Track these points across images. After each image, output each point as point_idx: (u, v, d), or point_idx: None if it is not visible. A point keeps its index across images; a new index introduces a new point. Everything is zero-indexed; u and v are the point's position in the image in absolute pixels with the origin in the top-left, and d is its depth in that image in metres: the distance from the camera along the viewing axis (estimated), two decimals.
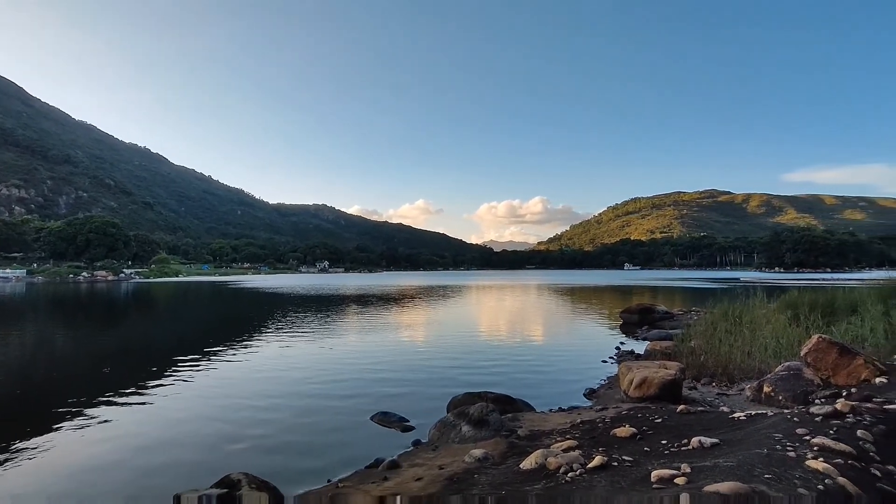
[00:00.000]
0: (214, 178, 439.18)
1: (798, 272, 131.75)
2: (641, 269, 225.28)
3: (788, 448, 3.63)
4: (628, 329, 18.45)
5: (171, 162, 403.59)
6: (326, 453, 6.21)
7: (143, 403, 8.48)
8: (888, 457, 3.63)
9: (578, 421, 6.15)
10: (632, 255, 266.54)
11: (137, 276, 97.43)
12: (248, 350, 13.95)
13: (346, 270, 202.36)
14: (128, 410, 8.09)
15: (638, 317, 19.69)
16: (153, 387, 9.59)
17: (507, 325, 20.74)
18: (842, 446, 3.56)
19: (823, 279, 62.37)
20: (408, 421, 7.30)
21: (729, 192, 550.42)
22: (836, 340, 7.05)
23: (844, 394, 6.01)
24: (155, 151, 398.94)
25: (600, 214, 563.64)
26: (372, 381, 10.14)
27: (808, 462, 3.28)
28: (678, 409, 5.65)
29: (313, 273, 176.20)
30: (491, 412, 6.35)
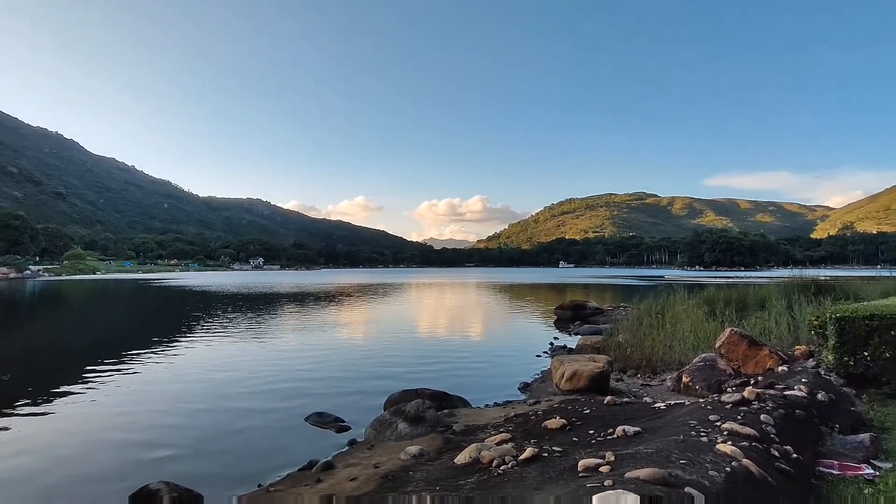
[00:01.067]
0: (138, 168, 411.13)
1: (716, 270, 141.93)
2: (576, 266, 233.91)
3: (702, 434, 3.89)
4: (562, 325, 19.13)
5: (88, 150, 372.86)
6: (257, 457, 5.99)
7: (52, 412, 7.80)
8: (786, 438, 3.99)
9: (512, 415, 6.30)
10: (567, 253, 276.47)
11: (46, 274, 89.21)
12: (173, 353, 13.19)
13: (283, 268, 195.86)
14: (34, 421, 7.41)
15: (571, 313, 20.44)
16: (63, 394, 8.84)
17: (446, 323, 20.90)
18: (748, 430, 3.87)
19: (737, 277, 67.41)
20: (344, 421, 7.18)
21: (656, 195, 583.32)
22: (746, 333, 7.65)
23: (752, 382, 6.53)
24: (68, 137, 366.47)
25: (537, 214, 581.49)
26: (307, 381, 9.89)
27: (718, 446, 3.53)
28: (605, 401, 5.92)
29: (247, 270, 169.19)
30: (427, 409, 6.37)
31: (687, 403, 5.16)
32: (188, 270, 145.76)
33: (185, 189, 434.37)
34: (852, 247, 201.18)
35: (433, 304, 31.96)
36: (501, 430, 5.48)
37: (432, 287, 54.33)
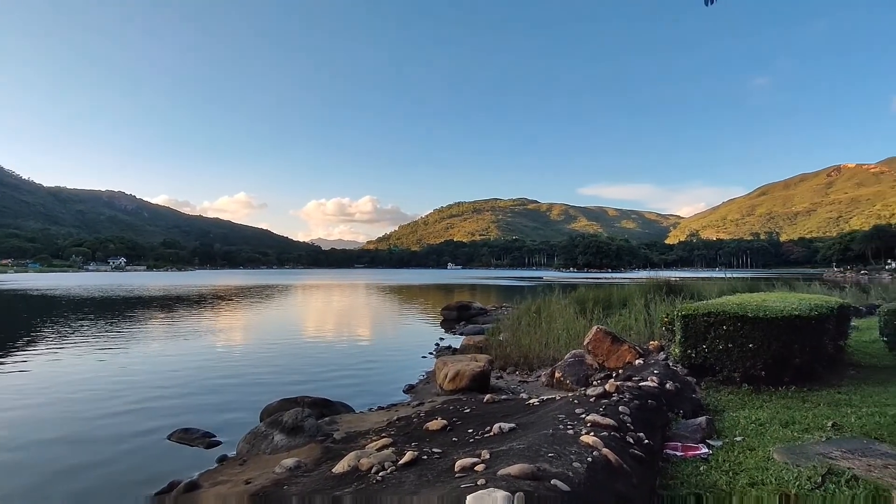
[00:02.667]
0: None
1: (588, 271, 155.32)
2: (463, 268, 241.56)
3: (569, 427, 4.15)
4: (448, 325, 19.55)
5: None
6: (109, 483, 5.29)
7: None
8: (639, 425, 4.40)
9: (395, 418, 6.25)
10: (455, 255, 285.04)
11: None
12: (3, 370, 11.25)
13: (150, 269, 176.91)
14: None
15: (457, 313, 20.98)
16: None
17: (333, 326, 20.31)
18: (608, 420, 4.20)
19: (605, 278, 74.20)
20: (214, 436, 6.61)
21: (536, 202, 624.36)
22: (610, 330, 8.38)
23: (614, 375, 7.15)
24: None
25: (427, 216, 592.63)
26: (173, 395, 8.98)
27: (582, 437, 3.79)
28: (485, 399, 6.11)
29: (105, 271, 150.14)
30: (306, 417, 6.09)
31: (557, 398, 5.50)
32: (26, 271, 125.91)
33: (24, 177, 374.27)
34: (697, 251, 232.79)
35: (319, 307, 30.92)
36: (383, 434, 5.41)
37: (319, 289, 52.60)
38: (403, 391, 9.25)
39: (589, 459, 3.39)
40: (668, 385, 5.89)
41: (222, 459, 5.83)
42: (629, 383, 5.70)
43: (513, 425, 4.53)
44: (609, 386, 5.16)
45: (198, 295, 39.12)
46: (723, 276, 26.46)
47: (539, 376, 9.09)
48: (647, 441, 4.15)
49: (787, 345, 6.42)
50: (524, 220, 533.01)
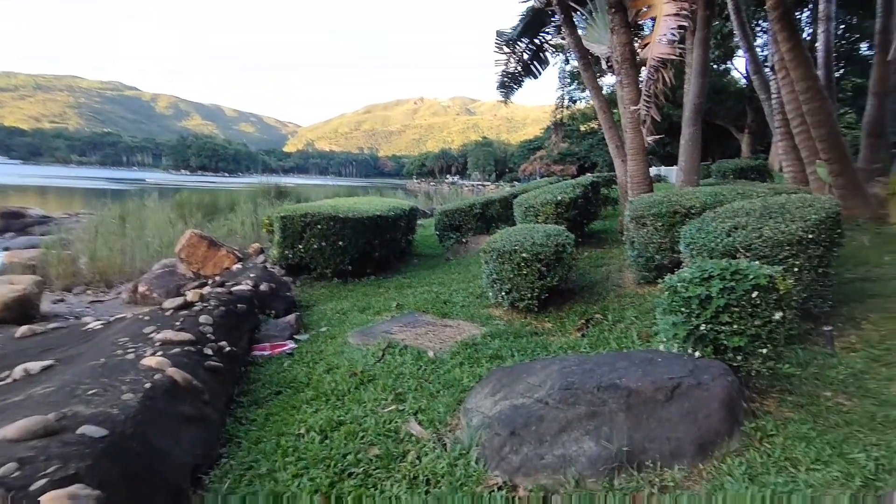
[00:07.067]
0: None
1: (201, 175, 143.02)
2: (24, 163, 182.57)
3: (130, 350, 3.40)
4: None
5: None
6: None
7: None
8: (223, 334, 4.03)
9: None
10: (8, 146, 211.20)
11: None
12: None
13: None
14: None
15: (1, 223, 15.46)
16: None
17: None
18: (183, 336, 3.65)
19: (221, 182, 70.01)
20: None
21: (137, 89, 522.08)
22: (206, 235, 7.62)
23: (210, 283, 6.55)
24: None
25: None
26: None
27: (144, 361, 3.13)
28: (19, 333, 4.53)
29: None
30: None
31: (128, 317, 4.55)
32: None
33: None
34: (313, 160, 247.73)
35: None
36: None
37: None
38: None
39: (147, 385, 2.81)
40: (262, 287, 5.75)
41: None
42: (220, 289, 5.27)
43: (50, 362, 3.42)
44: (192, 295, 4.58)
45: None
46: (332, 183, 28.84)
47: (120, 293, 7.60)
48: (229, 349, 3.85)
49: (370, 241, 7.23)
50: (120, 110, 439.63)
